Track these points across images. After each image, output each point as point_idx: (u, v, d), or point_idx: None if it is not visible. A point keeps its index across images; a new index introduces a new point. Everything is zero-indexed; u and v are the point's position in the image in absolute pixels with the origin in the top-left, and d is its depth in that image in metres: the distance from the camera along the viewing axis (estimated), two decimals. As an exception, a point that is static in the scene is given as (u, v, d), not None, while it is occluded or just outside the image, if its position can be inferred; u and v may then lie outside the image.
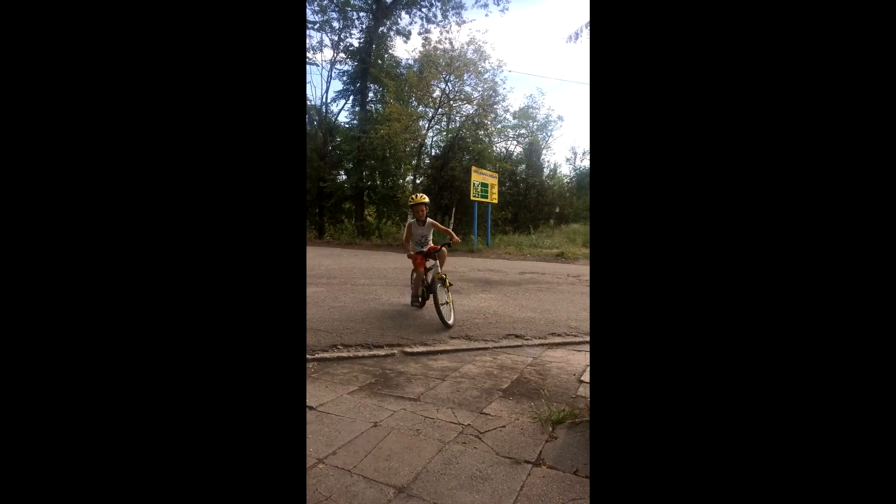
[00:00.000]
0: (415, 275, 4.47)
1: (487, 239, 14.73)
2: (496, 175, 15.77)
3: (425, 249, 4.55)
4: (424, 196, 4.57)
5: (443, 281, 4.19)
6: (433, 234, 4.74)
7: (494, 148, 19.38)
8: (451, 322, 4.03)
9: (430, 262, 4.48)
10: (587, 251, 11.28)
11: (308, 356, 3.17)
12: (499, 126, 19.15)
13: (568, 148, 39.32)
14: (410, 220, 4.64)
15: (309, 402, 2.40)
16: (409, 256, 4.45)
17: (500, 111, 18.15)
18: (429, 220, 4.63)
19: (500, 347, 3.65)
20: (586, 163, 22.88)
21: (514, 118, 20.93)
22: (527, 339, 3.93)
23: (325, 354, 3.24)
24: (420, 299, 4.63)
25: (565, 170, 25.38)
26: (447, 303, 4.18)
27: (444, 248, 4.51)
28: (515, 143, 21.54)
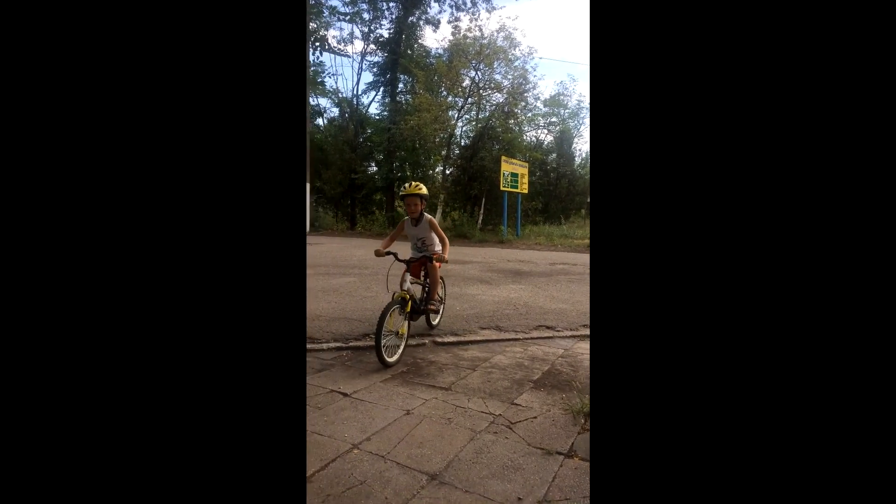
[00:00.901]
0: (408, 278, 3.19)
1: (517, 230, 14.59)
2: (526, 165, 15.56)
3: (421, 255, 3.35)
4: (421, 186, 3.28)
5: (403, 304, 2.98)
6: (433, 239, 3.45)
7: (525, 137, 19.11)
8: (392, 361, 2.85)
9: (409, 279, 3.21)
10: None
11: (342, 344, 3.25)
12: (529, 114, 18.86)
13: (601, 136, 38.11)
14: (403, 220, 3.48)
15: (344, 388, 2.47)
16: (376, 253, 3.23)
17: (530, 99, 17.86)
18: (428, 217, 3.39)
19: (531, 339, 3.63)
20: (620, 151, 22.18)
21: (545, 106, 20.54)
22: (558, 331, 3.89)
23: (358, 343, 3.31)
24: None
25: (598, 158, 24.67)
26: (399, 339, 2.97)
27: (435, 263, 3.32)
28: (546, 131, 21.16)
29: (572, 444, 1.93)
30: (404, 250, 3.39)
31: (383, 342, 2.80)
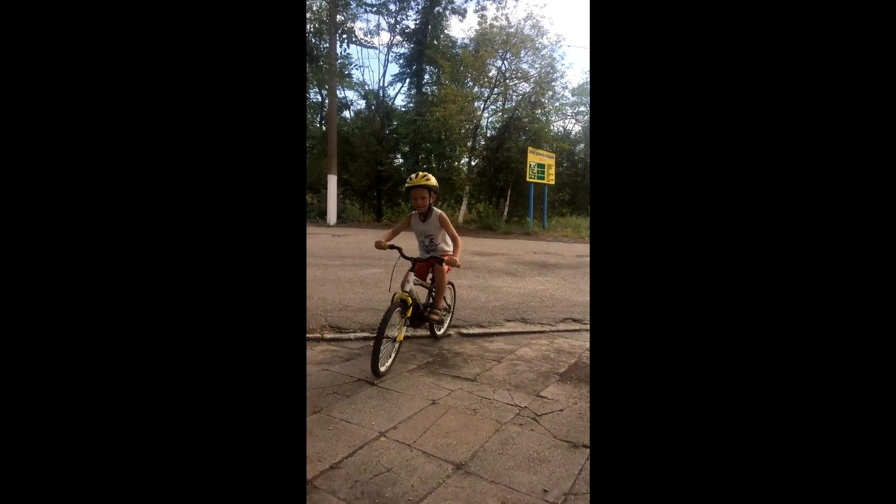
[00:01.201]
0: (410, 279, 2.79)
1: (544, 221, 14.41)
2: (553, 155, 15.31)
3: (430, 256, 2.93)
4: (429, 176, 2.84)
5: (404, 307, 2.62)
6: (443, 237, 3.00)
7: (552, 127, 18.79)
8: (383, 370, 2.50)
9: (413, 280, 2.83)
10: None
11: (369, 334, 3.30)
12: (556, 104, 18.50)
13: (631, 125, 37.09)
14: (410, 213, 3.03)
15: (371, 378, 2.51)
16: (378, 245, 2.81)
17: (558, 88, 17.52)
18: (438, 212, 2.94)
19: (557, 331, 3.59)
20: (652, 140, 21.54)
21: (573, 95, 20.11)
22: (585, 324, 3.83)
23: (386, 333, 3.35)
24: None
25: (628, 148, 24.06)
26: (393, 345, 2.63)
27: (444, 266, 2.90)
28: (574, 121, 20.75)
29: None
30: (410, 247, 3.02)
31: (382, 349, 2.48)
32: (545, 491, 1.56)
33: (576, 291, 5.12)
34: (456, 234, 2.93)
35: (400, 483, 1.56)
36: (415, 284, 2.83)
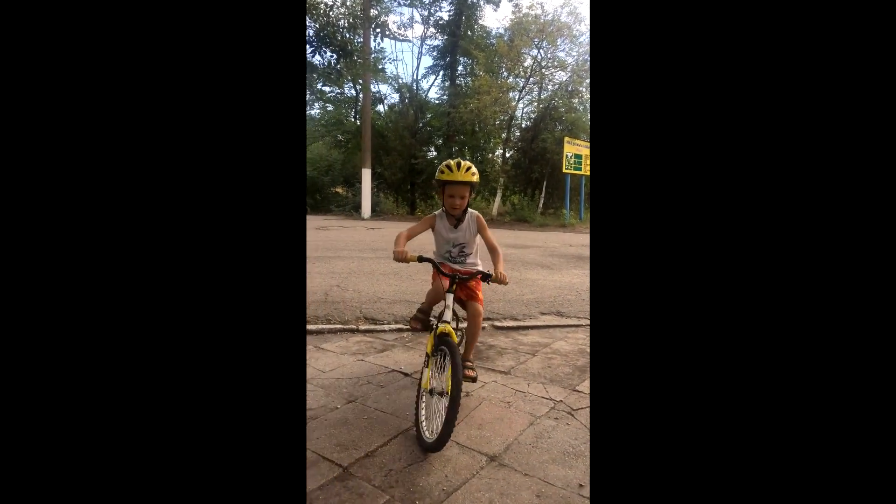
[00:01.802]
0: (451, 303, 1.96)
1: (580, 213, 14.09)
2: (587, 144, 14.88)
3: (457, 268, 2.15)
4: (473, 169, 2.06)
5: (450, 351, 1.73)
6: (475, 248, 2.23)
7: (585, 118, 18.23)
8: (431, 439, 1.67)
9: (440, 303, 2.05)
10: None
11: (403, 326, 3.33)
12: (587, 95, 17.92)
13: (674, 112, 35.57)
14: (434, 212, 2.24)
15: (405, 369, 2.53)
16: (400, 256, 1.95)
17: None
18: (474, 214, 2.19)
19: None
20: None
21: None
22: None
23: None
24: (419, 323, 2.27)
25: (670, 136, 23.08)
26: (440, 400, 1.75)
27: (479, 296, 2.16)
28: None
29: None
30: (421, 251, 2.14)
31: (422, 411, 1.79)
32: (580, 486, 1.53)
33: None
34: (496, 244, 2.10)
35: (434, 473, 1.57)
36: (452, 308, 1.96)
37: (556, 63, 16.31)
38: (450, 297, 1.96)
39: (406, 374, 2.45)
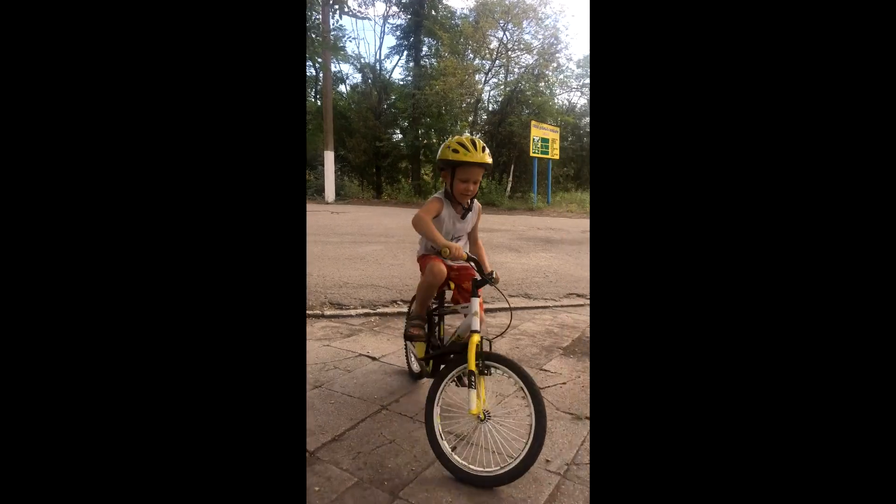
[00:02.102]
0: (423, 290, 1.83)
1: (548, 197, 14.29)
2: (557, 129, 15.04)
3: (454, 265, 1.89)
4: (486, 148, 1.75)
5: (481, 357, 1.52)
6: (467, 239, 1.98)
7: (556, 100, 18.38)
8: (494, 472, 1.41)
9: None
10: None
11: (370, 311, 3.28)
12: (561, 76, 18.07)
13: (636, 97, 36.40)
14: (436, 195, 1.88)
15: (372, 353, 2.50)
16: (458, 254, 1.63)
17: (562, 60, 17.08)
18: (477, 204, 1.96)
19: (561, 306, 3.57)
20: (656, 113, 21.09)
21: (578, 67, 19.60)
22: (588, 299, 3.81)
23: (386, 309, 3.33)
24: (420, 329, 1.90)
25: (632, 121, 23.61)
26: (478, 425, 1.53)
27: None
28: (579, 94, 20.28)
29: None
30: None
31: (444, 442, 1.50)
32: (548, 461, 1.56)
33: (580, 267, 5.08)
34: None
35: (402, 454, 1.56)
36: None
37: (521, 45, 16.28)
38: (476, 303, 1.63)
39: (374, 359, 2.43)
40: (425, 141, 18.47)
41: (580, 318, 3.24)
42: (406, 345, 2.25)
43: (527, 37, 16.18)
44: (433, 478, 1.44)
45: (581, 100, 20.24)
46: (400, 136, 19.39)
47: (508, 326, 2.18)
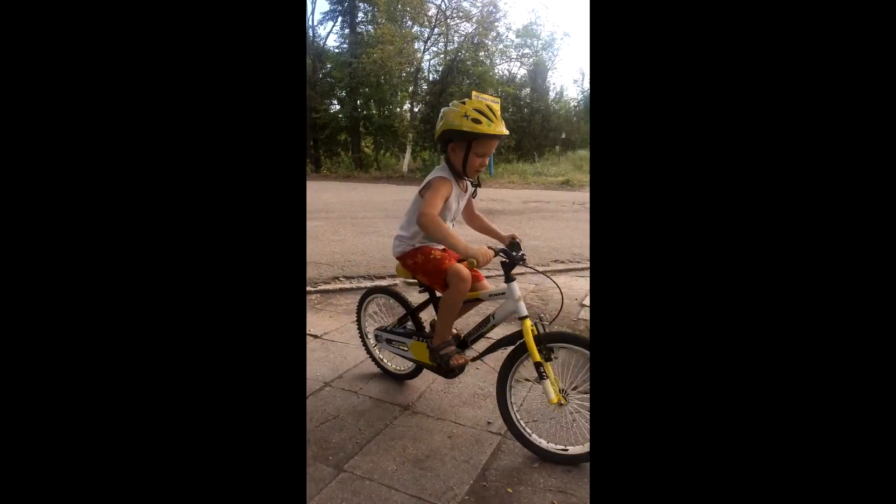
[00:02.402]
0: (446, 304, 1.58)
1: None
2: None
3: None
4: (495, 105, 1.52)
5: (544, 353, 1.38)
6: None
7: (496, 70, 18.33)
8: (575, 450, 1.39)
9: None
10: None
11: (311, 288, 3.20)
12: (500, 46, 17.96)
13: (576, 69, 37.21)
14: (441, 174, 1.54)
15: (314, 330, 2.45)
16: (488, 259, 1.46)
17: (501, 29, 16.94)
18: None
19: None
20: (592, 84, 21.67)
21: (518, 37, 19.58)
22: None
23: (328, 286, 3.26)
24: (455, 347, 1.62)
25: (572, 92, 24.26)
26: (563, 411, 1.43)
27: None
28: (519, 64, 20.29)
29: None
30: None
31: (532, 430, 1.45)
32: (489, 423, 1.63)
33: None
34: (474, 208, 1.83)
35: (347, 428, 1.56)
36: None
37: (460, 13, 15.95)
38: (515, 288, 1.50)
39: (316, 336, 2.38)
40: (364, 112, 17.86)
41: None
42: (365, 340, 2.04)
43: (465, 4, 15.88)
44: (377, 448, 1.46)
45: (521, 70, 20.33)
46: (338, 106, 18.60)
47: (561, 307, 1.76)
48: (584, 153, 16.11)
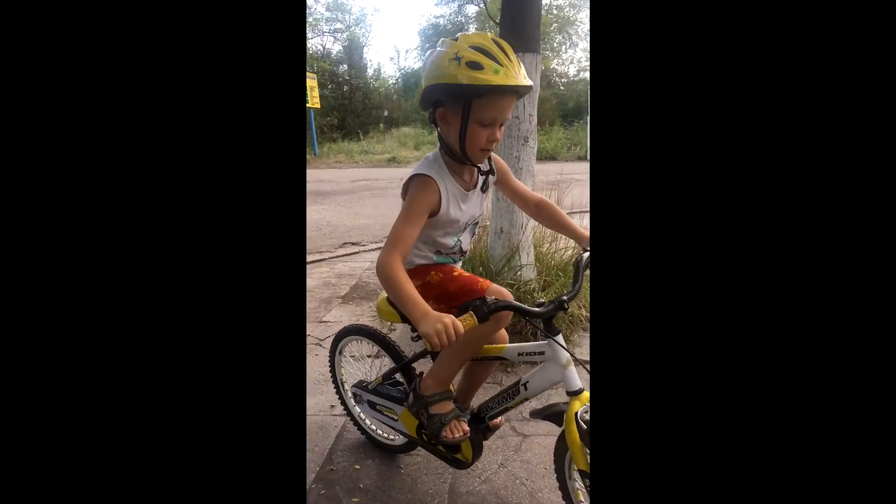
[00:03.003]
0: (442, 358, 1.06)
1: (314, 148, 13.78)
2: (315, 77, 14.36)
3: (455, 273, 1.11)
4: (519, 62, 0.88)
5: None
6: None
7: (309, 45, 17.31)
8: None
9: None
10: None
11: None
12: (311, 19, 16.96)
13: (390, 46, 37.55)
14: (423, 170, 0.99)
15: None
16: (455, 333, 0.78)
17: (309, 1, 15.93)
18: (497, 159, 1.11)
19: (337, 257, 3.61)
20: (410, 62, 22.29)
21: (328, 10, 18.75)
22: (363, 245, 3.95)
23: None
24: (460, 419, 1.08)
25: (390, 70, 24.43)
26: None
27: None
28: (333, 39, 19.54)
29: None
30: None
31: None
32: (332, 406, 1.62)
33: (353, 216, 5.17)
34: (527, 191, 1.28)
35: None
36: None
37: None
38: (561, 347, 0.95)
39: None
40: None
41: (356, 266, 3.35)
42: (341, 393, 1.47)
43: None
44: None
45: (336, 45, 19.64)
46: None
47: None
48: (408, 130, 16.57)
